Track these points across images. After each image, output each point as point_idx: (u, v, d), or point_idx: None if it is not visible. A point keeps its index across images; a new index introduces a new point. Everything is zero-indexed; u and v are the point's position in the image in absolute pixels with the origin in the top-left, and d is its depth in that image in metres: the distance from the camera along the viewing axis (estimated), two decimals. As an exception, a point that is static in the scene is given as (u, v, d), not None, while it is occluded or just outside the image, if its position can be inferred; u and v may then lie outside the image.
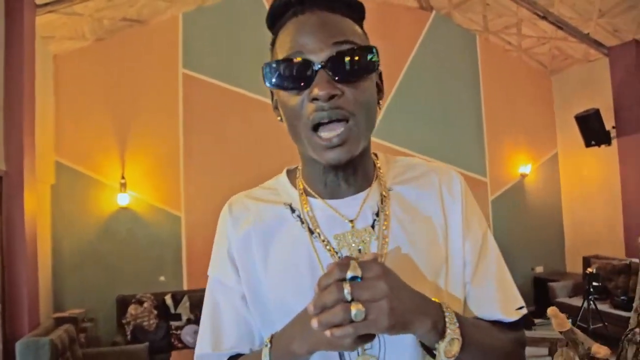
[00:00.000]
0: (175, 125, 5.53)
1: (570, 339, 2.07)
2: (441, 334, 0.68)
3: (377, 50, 0.75)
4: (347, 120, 0.73)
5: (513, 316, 0.83)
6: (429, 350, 0.72)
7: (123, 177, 5.23)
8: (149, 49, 5.48)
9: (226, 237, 0.86)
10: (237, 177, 5.64)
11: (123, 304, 4.89)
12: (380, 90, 0.83)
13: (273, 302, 0.80)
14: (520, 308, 0.85)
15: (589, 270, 4.88)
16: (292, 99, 0.75)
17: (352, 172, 0.80)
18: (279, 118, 0.84)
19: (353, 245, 0.78)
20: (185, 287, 5.38)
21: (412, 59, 6.39)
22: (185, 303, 5.03)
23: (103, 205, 5.25)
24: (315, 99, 0.71)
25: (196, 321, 4.90)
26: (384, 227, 0.80)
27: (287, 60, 0.74)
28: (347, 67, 0.72)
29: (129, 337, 4.62)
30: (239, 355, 0.84)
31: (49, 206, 5.08)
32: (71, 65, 5.25)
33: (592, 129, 5.86)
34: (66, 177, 5.16)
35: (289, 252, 0.81)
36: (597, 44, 5.87)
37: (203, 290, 4.01)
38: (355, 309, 0.61)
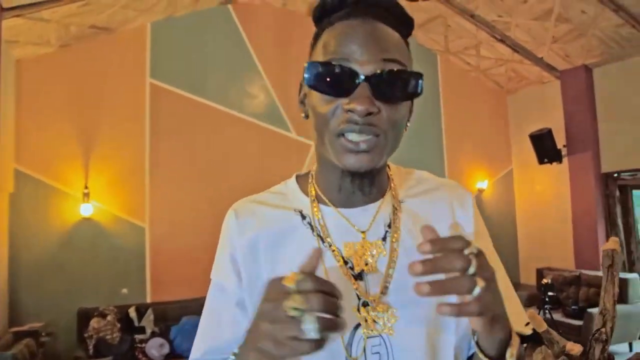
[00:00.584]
0: (142, 136, 5.46)
1: (547, 339, 2.21)
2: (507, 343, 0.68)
3: (422, 77, 0.73)
4: (377, 136, 0.72)
5: (525, 330, 0.79)
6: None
7: (86, 187, 5.10)
8: (115, 57, 5.40)
9: (230, 242, 0.84)
10: (203, 190, 5.63)
11: (85, 317, 4.73)
12: (410, 111, 0.81)
13: None
14: (527, 324, 0.82)
15: (545, 280, 5.13)
16: (325, 103, 0.73)
17: (369, 182, 0.79)
18: (303, 115, 0.83)
19: (361, 256, 0.78)
20: (148, 300, 5.27)
21: (376, 75, 6.57)
22: (149, 316, 4.94)
23: (65, 216, 5.09)
24: (351, 110, 0.70)
25: (161, 334, 4.83)
26: (394, 240, 0.79)
27: (331, 65, 0.71)
28: (391, 88, 0.71)
29: (91, 351, 4.48)
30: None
31: (7, 215, 4.90)
32: (34, 70, 5.10)
33: (545, 147, 6.17)
34: (26, 185, 4.99)
35: (297, 259, 0.72)
36: (550, 68, 6.22)
37: (167, 303, 4.14)
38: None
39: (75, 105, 5.22)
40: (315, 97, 0.74)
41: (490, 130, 7.10)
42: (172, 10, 5.56)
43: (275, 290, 0.59)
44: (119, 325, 4.70)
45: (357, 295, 0.76)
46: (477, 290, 0.59)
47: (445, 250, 0.60)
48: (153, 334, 4.80)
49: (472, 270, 0.59)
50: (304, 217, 0.82)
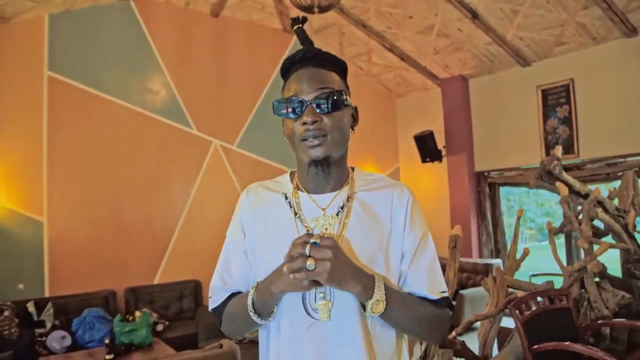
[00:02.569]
0: (39, 128, 5.38)
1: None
2: (370, 296, 1.04)
3: (345, 93, 1.16)
4: (325, 136, 1.12)
5: (436, 295, 1.16)
6: (363, 306, 1.08)
7: (-21, 181, 4.98)
8: (10, 47, 5.26)
9: (241, 212, 1.26)
10: (103, 185, 5.66)
11: (-22, 314, 4.65)
12: (355, 119, 1.24)
13: (263, 262, 1.17)
14: (443, 292, 1.18)
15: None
16: (291, 123, 1.15)
17: (328, 170, 1.17)
18: (286, 137, 1.21)
19: (322, 225, 1.11)
20: (47, 294, 5.25)
21: (274, 76, 6.86)
22: (49, 310, 4.94)
23: (-44, 210, 4.94)
24: (304, 123, 1.11)
25: (62, 327, 4.85)
26: (345, 217, 1.16)
27: (289, 100, 1.14)
28: (325, 103, 1.12)
29: (-13, 347, 4.42)
30: (238, 293, 1.24)
31: None
32: None
33: (427, 148, 6.82)
34: None
35: (280, 228, 1.18)
36: (432, 76, 6.89)
37: (67, 297, 4.40)
38: (310, 262, 0.98)
39: (-34, 97, 5.04)
40: (286, 121, 1.17)
41: (380, 129, 7.68)
42: (72, 3, 5.50)
43: (301, 241, 1.01)
44: (17, 320, 4.66)
45: None
46: (310, 266, 0.99)
47: (296, 241, 1.02)
48: (54, 327, 4.82)
49: (306, 253, 0.99)
50: (286, 198, 1.22)
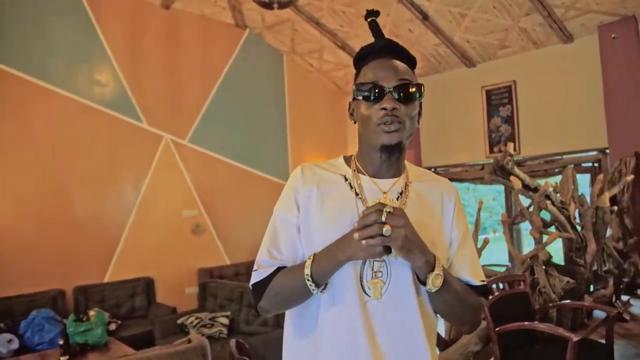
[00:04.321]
0: (-21, 120, 5.08)
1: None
2: (431, 270, 1.07)
3: (423, 87, 1.19)
4: (400, 123, 1.14)
5: (478, 282, 1.23)
6: (422, 281, 1.10)
7: None
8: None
9: (295, 187, 1.24)
10: (49, 180, 5.43)
11: None
12: (420, 113, 1.24)
13: (318, 239, 1.16)
14: (483, 280, 1.24)
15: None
16: (368, 108, 1.17)
17: (397, 157, 1.20)
18: (353, 121, 1.26)
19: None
20: (-11, 296, 4.98)
21: (226, 71, 6.84)
22: (-7, 312, 4.68)
23: None
24: (384, 108, 1.14)
25: (8, 330, 4.61)
26: (403, 203, 1.20)
27: (370, 84, 1.16)
28: (404, 93, 1.15)
29: None
30: (284, 267, 1.21)
31: None
32: None
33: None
34: None
35: (339, 206, 1.19)
36: (382, 74, 7.09)
37: (13, 298, 4.30)
38: (386, 228, 1.00)
39: None
40: (361, 105, 1.19)
41: (329, 125, 7.81)
42: (16, -10, 5.23)
43: (375, 209, 1.02)
44: (-42, 323, 4.40)
45: None
46: (387, 232, 1.01)
47: (369, 210, 1.04)
48: (-1, 330, 4.58)
49: (383, 219, 1.02)
50: (346, 179, 1.23)
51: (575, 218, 4.44)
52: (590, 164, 5.53)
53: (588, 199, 4.52)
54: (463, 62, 6.29)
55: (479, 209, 3.97)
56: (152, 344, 4.98)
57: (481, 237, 4.15)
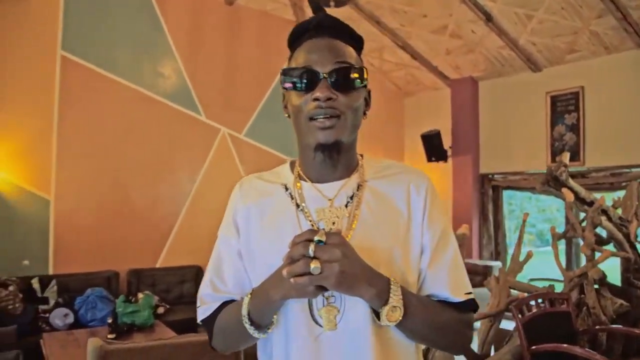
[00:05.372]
0: (50, 107, 5.41)
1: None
2: (385, 302, 0.88)
3: (366, 71, 0.99)
4: (338, 117, 0.96)
5: (460, 297, 0.99)
6: (377, 314, 0.91)
7: (-11, 156, 5.02)
8: (25, 25, 5.28)
9: (234, 206, 1.09)
10: (109, 166, 5.71)
11: (-18, 287, 4.71)
12: (367, 103, 1.07)
13: (261, 263, 1.00)
14: (468, 293, 1.01)
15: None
16: (299, 98, 0.98)
17: (337, 157, 1.00)
18: (286, 115, 1.07)
19: (329, 219, 0.98)
20: (51, 272, 5.30)
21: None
22: (52, 287, 4.99)
23: (-35, 184, 4.98)
24: (316, 99, 0.94)
25: (65, 305, 4.90)
26: (355, 209, 0.99)
27: (300, 69, 0.97)
28: (343, 79, 0.96)
29: (-9, 320, 4.49)
30: (231, 300, 1.05)
31: None
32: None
33: (433, 147, 6.86)
34: None
35: (279, 220, 1.02)
36: (442, 76, 6.92)
37: (71, 275, 4.40)
38: (314, 265, 0.81)
39: (-21, 71, 5.07)
40: (291, 95, 1.00)
41: (387, 127, 7.71)
42: (89, -16, 5.52)
43: (302, 239, 0.85)
44: (21, 295, 4.71)
45: None
46: (315, 270, 0.82)
47: (297, 240, 0.86)
48: (57, 304, 4.87)
49: (310, 254, 0.83)
50: (287, 189, 1.05)
51: (636, 237, 4.13)
52: (660, 180, 5.13)
53: (653, 217, 4.19)
54: (528, 66, 6.01)
55: (524, 221, 3.78)
56: (195, 330, 5.14)
57: (541, 250, 3.95)
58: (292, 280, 0.83)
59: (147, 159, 5.95)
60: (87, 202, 5.56)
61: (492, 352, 3.67)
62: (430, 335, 0.99)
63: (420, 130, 7.00)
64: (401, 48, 6.60)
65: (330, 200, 1.01)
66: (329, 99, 0.95)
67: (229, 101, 6.48)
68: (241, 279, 1.05)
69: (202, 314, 1.08)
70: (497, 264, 6.21)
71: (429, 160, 6.95)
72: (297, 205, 1.02)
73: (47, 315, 4.73)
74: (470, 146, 6.74)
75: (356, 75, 0.98)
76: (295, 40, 1.04)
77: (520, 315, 3.04)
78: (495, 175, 6.68)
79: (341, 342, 0.95)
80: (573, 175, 5.32)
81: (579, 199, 3.98)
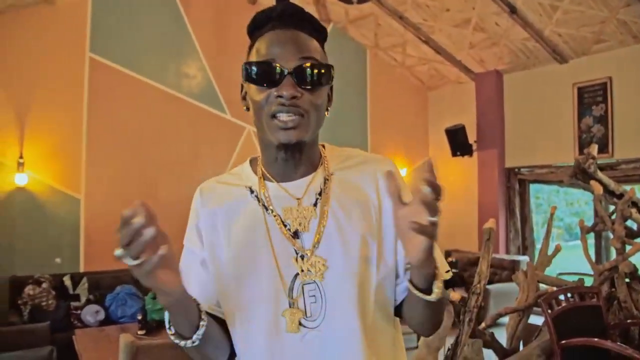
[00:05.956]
0: (80, 108, 5.54)
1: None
2: (435, 277, 0.87)
3: (333, 68, 0.96)
4: (302, 116, 0.92)
5: (446, 275, 0.95)
6: (418, 290, 0.88)
7: (21, 157, 5.15)
8: (55, 28, 5.41)
9: (196, 214, 1.03)
10: (137, 165, 5.82)
11: (17, 285, 4.84)
12: (330, 99, 1.01)
13: (230, 274, 0.96)
14: (448, 271, 0.98)
15: (449, 259, 5.78)
16: (260, 93, 0.93)
17: (299, 156, 0.97)
18: (244, 107, 1.01)
19: (295, 218, 0.96)
20: (82, 269, 5.44)
21: (309, 65, 6.95)
22: (84, 284, 5.12)
23: (-1, 185, 5.14)
24: (280, 96, 0.90)
25: (96, 301, 5.02)
26: (324, 205, 0.97)
27: (263, 63, 0.92)
28: (308, 77, 0.92)
29: (26, 317, 4.62)
30: None
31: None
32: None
33: (458, 142, 6.81)
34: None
35: (247, 226, 0.98)
36: (467, 70, 6.86)
37: (101, 273, 4.50)
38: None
39: (9, 73, 5.21)
40: (252, 89, 0.95)
41: (411, 122, 7.69)
42: (115, -13, 5.63)
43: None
44: (54, 292, 4.85)
45: (295, 250, 0.95)
46: (435, 218, 0.78)
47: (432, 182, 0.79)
48: (88, 301, 4.99)
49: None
50: (252, 192, 1.01)
51: (668, 229, 4.05)
52: (693, 171, 5.02)
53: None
54: (554, 58, 5.92)
55: (552, 214, 3.74)
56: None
57: (570, 244, 3.90)
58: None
59: (173, 157, 6.04)
60: (115, 201, 5.66)
61: (521, 347, 3.65)
62: (432, 311, 0.96)
63: (445, 125, 6.95)
64: (424, 43, 6.56)
65: (298, 199, 0.99)
66: (294, 97, 0.91)
67: (253, 99, 6.53)
68: (205, 289, 0.99)
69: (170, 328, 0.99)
70: (524, 258, 6.15)
71: (454, 154, 6.90)
72: (265, 208, 0.99)
73: (79, 312, 4.85)
74: (495, 140, 6.67)
75: (322, 71, 0.94)
76: (257, 29, 0.99)
77: (549, 310, 3.02)
78: (522, 169, 6.60)
79: (328, 341, 0.93)
80: (602, 168, 5.24)
81: (608, 191, 3.91)
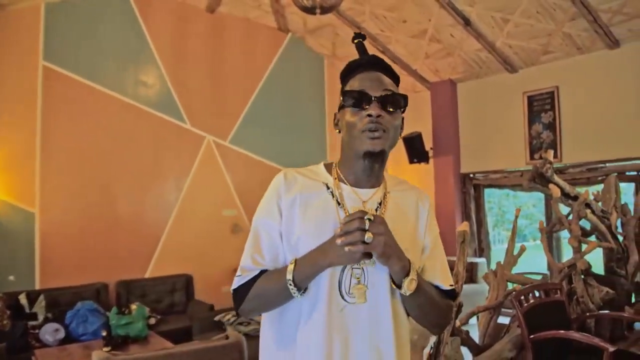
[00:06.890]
0: (33, 119, 5.33)
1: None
2: (406, 275, 1.16)
3: (407, 99, 1.27)
4: (384, 131, 1.20)
5: (448, 286, 1.32)
6: (397, 285, 1.19)
7: (-29, 170, 4.93)
8: (5, 35, 5.21)
9: (278, 194, 1.27)
10: (95, 177, 5.67)
11: (-31, 304, 4.60)
12: (402, 127, 1.31)
13: (302, 247, 1.21)
14: (452, 285, 1.33)
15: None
16: (354, 115, 1.23)
17: (377, 167, 1.27)
18: (337, 131, 1.33)
19: None
20: (38, 286, 5.21)
21: (268, 74, 6.98)
22: (41, 302, 4.90)
23: (-52, 199, 4.88)
24: (369, 115, 1.19)
25: (54, 319, 4.82)
26: (382, 212, 1.26)
27: (357, 92, 1.23)
28: (389, 103, 1.22)
29: (-20, 338, 4.38)
30: (265, 271, 1.26)
31: None
32: None
33: (415, 149, 7.01)
34: None
35: (321, 214, 1.24)
36: (422, 79, 7.09)
37: (60, 289, 4.47)
38: (368, 235, 1.06)
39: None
40: (347, 113, 1.25)
41: (368, 130, 7.83)
42: (70, -6, 5.48)
43: (357, 216, 1.09)
44: (8, 312, 4.62)
45: None
46: (369, 239, 1.07)
47: (351, 217, 1.10)
48: (46, 320, 4.79)
49: (366, 227, 1.08)
50: (328, 188, 1.28)
51: (617, 228, 4.34)
52: (634, 173, 5.38)
53: (632, 208, 4.41)
54: (505, 68, 6.23)
55: (516, 217, 3.94)
56: (190, 339, 5.12)
57: (518, 245, 4.11)
58: (346, 248, 1.07)
59: (132, 168, 5.92)
60: (72, 214, 5.50)
61: (489, 344, 3.81)
62: (429, 310, 1.27)
63: (402, 133, 7.11)
64: (381, 53, 6.73)
65: (364, 202, 1.27)
66: (379, 115, 1.19)
67: (214, 108, 6.50)
68: (277, 254, 1.25)
69: (239, 281, 1.26)
70: (482, 260, 6.39)
71: (411, 162, 7.09)
72: (338, 203, 1.25)
73: (37, 331, 4.63)
74: (450, 147, 6.91)
75: (399, 99, 1.24)
76: (350, 72, 1.31)
77: (520, 306, 3.17)
78: (476, 175, 6.86)
79: (360, 315, 1.20)
80: (553, 172, 5.55)
81: (563, 194, 4.16)
